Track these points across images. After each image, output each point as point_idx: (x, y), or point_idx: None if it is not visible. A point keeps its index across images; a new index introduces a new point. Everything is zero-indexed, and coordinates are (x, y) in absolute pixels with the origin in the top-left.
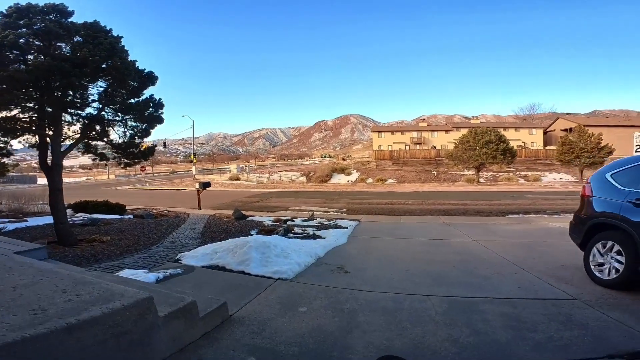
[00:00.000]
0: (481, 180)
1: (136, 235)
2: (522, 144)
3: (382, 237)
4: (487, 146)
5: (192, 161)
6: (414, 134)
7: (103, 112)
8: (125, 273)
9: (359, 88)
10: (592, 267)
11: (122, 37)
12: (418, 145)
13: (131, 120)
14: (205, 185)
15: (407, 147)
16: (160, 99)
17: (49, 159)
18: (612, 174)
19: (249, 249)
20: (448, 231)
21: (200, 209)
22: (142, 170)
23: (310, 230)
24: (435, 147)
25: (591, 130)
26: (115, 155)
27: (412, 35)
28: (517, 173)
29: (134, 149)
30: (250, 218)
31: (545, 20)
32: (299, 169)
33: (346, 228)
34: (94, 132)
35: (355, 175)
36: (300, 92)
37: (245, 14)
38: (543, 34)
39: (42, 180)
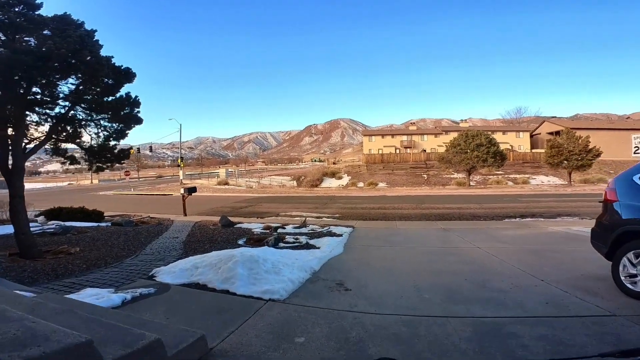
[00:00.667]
0: (471, 183)
1: (110, 245)
2: (510, 147)
3: (380, 246)
4: (478, 149)
5: (179, 165)
6: (404, 138)
7: (74, 112)
8: (86, 293)
9: (348, 92)
10: (622, 278)
11: (95, 30)
12: (408, 149)
13: (105, 121)
14: (191, 190)
15: (398, 151)
16: (136, 96)
17: (10, 162)
18: None
19: (234, 265)
20: (448, 237)
21: (185, 215)
22: (127, 175)
23: (303, 239)
24: (425, 151)
25: (578, 133)
26: (86, 158)
27: (401, 41)
28: (506, 176)
29: (108, 152)
30: (238, 225)
31: (530, 25)
32: (289, 173)
33: (341, 236)
34: (64, 133)
35: (346, 180)
36: (290, 96)
37: (232, 18)
38: (528, 39)
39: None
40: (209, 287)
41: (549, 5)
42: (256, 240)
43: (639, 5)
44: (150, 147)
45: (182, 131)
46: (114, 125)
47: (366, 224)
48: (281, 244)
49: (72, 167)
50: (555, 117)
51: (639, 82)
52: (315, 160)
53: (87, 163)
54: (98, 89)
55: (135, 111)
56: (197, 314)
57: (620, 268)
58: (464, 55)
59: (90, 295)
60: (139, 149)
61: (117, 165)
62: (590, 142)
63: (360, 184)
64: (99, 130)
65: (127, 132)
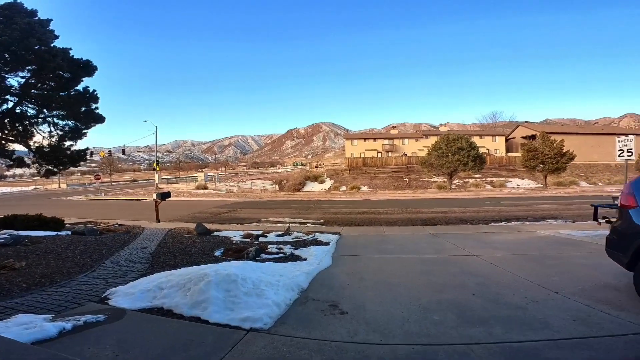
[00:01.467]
0: (452, 186)
1: (63, 259)
2: (487, 151)
3: (371, 255)
4: (459, 153)
5: (154, 169)
6: (386, 142)
7: (21, 107)
8: (15, 321)
9: (330, 96)
10: None
11: (50, 20)
12: (390, 153)
13: (59, 118)
14: (164, 195)
15: (380, 155)
16: (94, 91)
17: None
18: None
19: (207, 286)
20: (440, 244)
21: (158, 222)
22: (97, 179)
23: (287, 249)
24: (406, 155)
25: (553, 137)
26: (35, 160)
27: (382, 47)
28: (484, 179)
29: (60, 154)
30: (215, 233)
31: (505, 33)
32: (271, 177)
33: (328, 244)
34: (14, 132)
35: (328, 183)
36: (272, 100)
37: (213, 22)
38: (503, 46)
39: None
40: (176, 313)
41: (523, 13)
42: (235, 252)
43: (602, 16)
44: (124, 149)
45: (159, 134)
46: (70, 123)
47: (353, 230)
48: (263, 255)
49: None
50: (528, 121)
51: (603, 90)
52: (297, 164)
53: (35, 166)
54: (52, 83)
55: (93, 107)
56: (158, 349)
57: None
58: (442, 62)
59: (19, 324)
60: (110, 151)
61: (87, 168)
62: (564, 146)
63: (343, 188)
64: (53, 129)
65: (85, 131)
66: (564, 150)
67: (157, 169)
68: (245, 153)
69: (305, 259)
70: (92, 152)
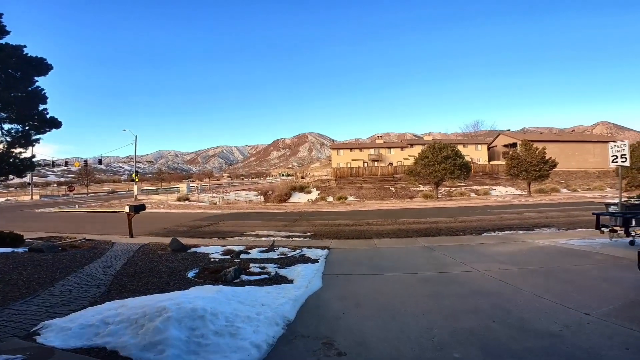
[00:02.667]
0: (438, 195)
1: (5, 281)
2: (470, 160)
3: (365, 274)
4: (446, 161)
5: (133, 180)
6: (372, 151)
7: None
8: None
9: (316, 107)
10: None
11: (1, 14)
12: (376, 163)
13: (7, 122)
14: (138, 208)
15: (366, 165)
16: (42, 90)
17: None
18: None
19: (165, 324)
20: (437, 258)
21: (131, 236)
22: (70, 191)
23: (272, 268)
24: (392, 164)
25: (534, 145)
26: None
27: (366, 59)
28: (468, 188)
29: (4, 163)
30: (193, 249)
31: (481, 43)
32: (256, 188)
33: (316, 261)
34: None
35: (315, 194)
36: (257, 110)
37: (196, 29)
38: (483, 57)
39: None
40: (122, 355)
41: (500, 24)
42: (212, 272)
43: (576, 26)
44: (100, 159)
45: (141, 144)
46: (19, 127)
47: (343, 244)
48: (244, 277)
49: (14, 181)
50: (509, 130)
51: (576, 98)
52: (283, 175)
53: None
54: None
55: (41, 108)
56: None
57: None
58: (425, 72)
59: None
60: (86, 161)
61: (63, 179)
62: (546, 153)
63: (330, 198)
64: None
65: (37, 137)
66: (546, 158)
67: (136, 179)
68: (230, 164)
69: (291, 281)
70: (66, 162)
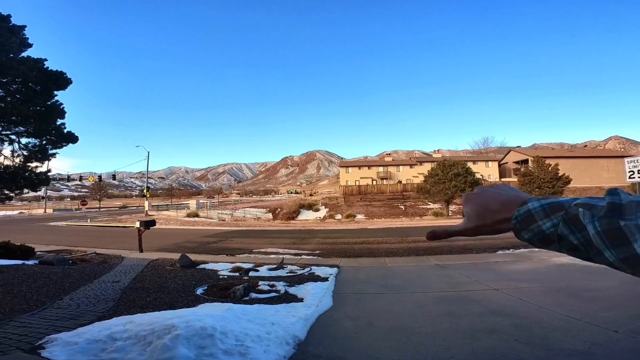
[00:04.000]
0: (449, 213)
1: (13, 293)
2: (481, 177)
3: (377, 293)
4: (456, 179)
5: (144, 196)
6: (380, 169)
7: None
8: None
9: (324, 125)
10: None
11: (24, 26)
12: (384, 180)
13: (24, 136)
14: (149, 224)
15: (374, 182)
16: (61, 104)
17: None
18: None
19: (173, 341)
20: (451, 277)
21: (141, 251)
22: (83, 205)
23: (281, 286)
24: (401, 182)
25: (547, 161)
26: None
27: (374, 79)
28: None
29: (20, 177)
30: (201, 266)
31: (493, 64)
32: (264, 205)
33: (326, 279)
34: None
35: (323, 212)
36: (266, 128)
37: (208, 50)
38: (491, 75)
39: None
40: None
41: (512, 45)
42: (220, 289)
43: (587, 46)
44: (114, 175)
45: (152, 160)
46: (35, 142)
47: (352, 262)
48: (253, 295)
49: (29, 194)
50: (519, 146)
51: (588, 114)
52: (291, 192)
53: None
54: (18, 95)
55: (59, 123)
56: None
57: None
58: (433, 90)
59: None
60: (100, 177)
61: (77, 194)
62: (559, 169)
63: (339, 216)
64: (17, 148)
65: (53, 152)
66: (560, 174)
67: (147, 195)
68: (239, 181)
69: (301, 299)
70: (81, 176)
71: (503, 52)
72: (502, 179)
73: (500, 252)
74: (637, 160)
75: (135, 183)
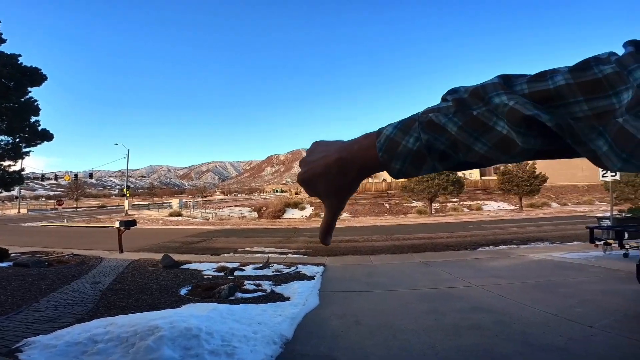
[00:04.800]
0: (432, 211)
1: None
2: (462, 175)
3: (363, 291)
4: (439, 177)
5: (124, 195)
6: None
7: None
8: None
9: (310, 123)
10: None
11: None
12: (370, 179)
13: None
14: (129, 223)
15: None
16: (35, 101)
17: None
18: None
19: (157, 342)
20: (435, 274)
21: (121, 251)
22: (59, 205)
23: (267, 285)
24: (385, 180)
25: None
26: None
27: (355, 78)
28: (461, 203)
29: None
30: (185, 266)
31: (471, 56)
32: (250, 204)
33: (312, 278)
34: None
35: (309, 210)
36: (251, 125)
37: (189, 45)
38: (474, 70)
39: None
40: None
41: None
42: (205, 289)
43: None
44: (91, 173)
45: (133, 159)
46: (9, 139)
47: (338, 261)
48: (238, 294)
49: (2, 194)
50: None
51: None
52: (277, 191)
53: None
54: None
55: (33, 120)
56: None
57: None
58: (411, 88)
59: None
60: (76, 175)
61: (52, 193)
62: (536, 168)
63: (324, 214)
64: None
65: (27, 149)
66: (537, 173)
67: (127, 194)
68: (223, 179)
69: (288, 298)
70: (56, 175)
71: (480, 47)
72: (483, 177)
73: (481, 249)
74: None
75: (114, 182)
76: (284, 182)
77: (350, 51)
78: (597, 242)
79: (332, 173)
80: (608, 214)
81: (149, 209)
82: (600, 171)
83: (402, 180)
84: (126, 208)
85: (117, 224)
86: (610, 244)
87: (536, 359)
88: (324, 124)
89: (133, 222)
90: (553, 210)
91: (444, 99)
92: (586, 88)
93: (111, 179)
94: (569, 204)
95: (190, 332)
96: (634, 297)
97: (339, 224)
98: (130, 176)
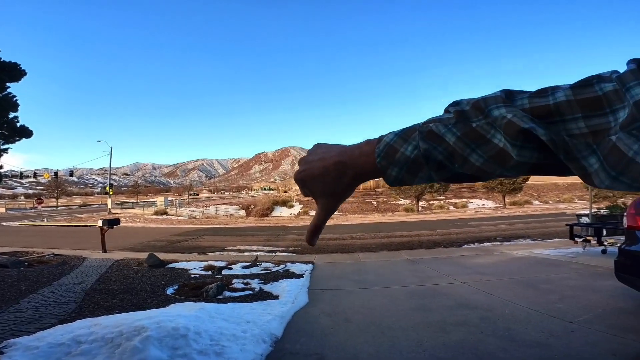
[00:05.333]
0: (419, 209)
1: None
2: None
3: (351, 288)
4: None
5: (107, 193)
6: None
7: None
8: None
9: (298, 121)
10: None
11: None
12: None
13: None
14: (112, 222)
15: None
16: (14, 96)
17: None
18: None
19: (144, 343)
20: (421, 271)
21: (105, 251)
22: (39, 203)
23: (256, 284)
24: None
25: None
26: None
27: (346, 74)
28: (447, 201)
29: None
30: (171, 265)
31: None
32: (237, 202)
33: (301, 276)
34: None
35: (298, 208)
36: (239, 123)
37: (177, 41)
38: (464, 69)
39: None
40: None
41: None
42: (192, 288)
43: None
44: (72, 171)
45: (116, 156)
46: None
47: (327, 258)
48: (226, 293)
49: None
50: None
51: None
52: (265, 189)
53: None
54: None
55: (12, 116)
56: None
57: None
58: (399, 87)
59: None
60: (56, 173)
61: (32, 191)
62: None
63: (313, 212)
64: None
65: (5, 147)
66: None
67: (111, 192)
68: (210, 177)
69: (277, 297)
70: (35, 173)
71: (474, 48)
72: None
73: (466, 246)
74: None
75: (96, 180)
76: (272, 179)
77: (342, 47)
78: (576, 239)
79: (330, 175)
80: (587, 212)
81: (133, 208)
82: None
83: None
84: (109, 206)
85: (99, 223)
86: (589, 241)
87: (519, 354)
88: (312, 122)
89: (117, 221)
90: (535, 207)
91: (446, 110)
92: (585, 105)
93: (93, 177)
94: (550, 202)
95: (177, 331)
96: (612, 293)
97: (327, 221)
98: (114, 174)
